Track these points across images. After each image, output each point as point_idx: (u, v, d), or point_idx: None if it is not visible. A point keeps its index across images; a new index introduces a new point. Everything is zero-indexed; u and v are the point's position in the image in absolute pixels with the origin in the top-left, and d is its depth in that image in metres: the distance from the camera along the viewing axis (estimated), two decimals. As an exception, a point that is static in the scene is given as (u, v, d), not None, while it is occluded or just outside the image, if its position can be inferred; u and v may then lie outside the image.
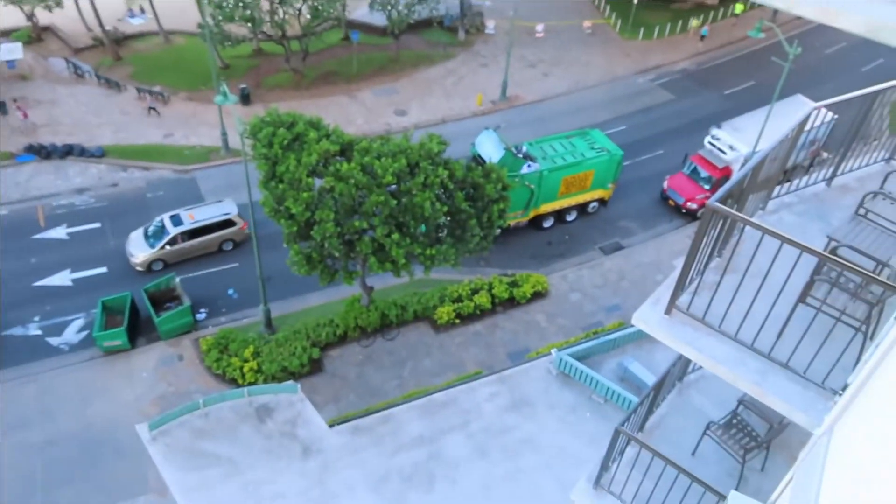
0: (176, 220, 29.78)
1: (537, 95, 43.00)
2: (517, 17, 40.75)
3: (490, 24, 49.60)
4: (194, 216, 29.89)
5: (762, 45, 46.26)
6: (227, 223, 30.23)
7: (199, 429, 19.20)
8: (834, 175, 8.06)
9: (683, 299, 6.33)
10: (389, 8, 42.35)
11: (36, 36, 45.15)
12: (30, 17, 43.96)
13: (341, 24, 47.05)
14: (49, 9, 42.35)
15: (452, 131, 34.71)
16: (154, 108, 38.97)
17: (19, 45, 41.32)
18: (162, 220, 29.95)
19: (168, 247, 29.33)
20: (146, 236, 29.81)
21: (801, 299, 6.13)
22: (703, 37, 49.10)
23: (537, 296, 29.43)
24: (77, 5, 44.47)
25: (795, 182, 7.99)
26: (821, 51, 46.30)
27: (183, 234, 29.47)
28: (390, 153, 22.29)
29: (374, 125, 39.09)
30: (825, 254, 5.48)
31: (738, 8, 51.49)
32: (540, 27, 48.75)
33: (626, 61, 47.13)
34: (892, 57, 41.31)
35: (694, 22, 50.14)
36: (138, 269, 29.26)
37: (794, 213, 7.70)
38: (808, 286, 6.10)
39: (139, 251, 29.37)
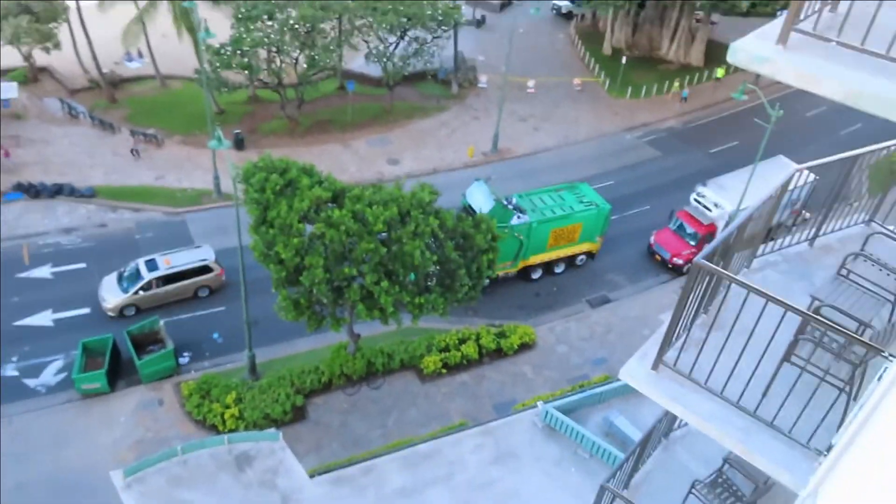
0: (151, 265, 29.23)
1: (528, 149, 43.74)
2: (509, 72, 41.76)
3: (483, 79, 50.74)
4: (170, 261, 29.38)
5: (745, 107, 47.51)
6: (204, 269, 29.77)
7: (176, 476, 18.77)
8: (816, 235, 8.24)
9: (670, 355, 6.39)
10: (385, 60, 43.27)
11: (32, 76, 45.61)
12: (27, 57, 44.47)
13: (337, 74, 47.95)
14: (47, 50, 42.84)
15: (444, 181, 35.06)
16: (136, 151, 39.04)
17: (15, 84, 41.71)
18: (137, 265, 29.37)
19: (142, 292, 28.73)
20: (120, 280, 29.26)
21: (786, 358, 6.20)
22: (683, 98, 50.41)
23: (524, 347, 29.35)
24: (75, 47, 45.08)
25: (779, 241, 8.16)
26: (802, 113, 47.60)
27: (158, 279, 28.93)
28: (382, 201, 22.49)
29: (367, 173, 39.48)
30: (809, 313, 5.58)
31: (720, 72, 53.05)
32: (531, 83, 49.90)
33: (615, 118, 48.19)
34: (870, 122, 42.39)
35: (675, 84, 51.56)
36: (109, 314, 28.61)
37: (778, 272, 7.84)
38: (793, 345, 6.18)
39: (111, 296, 28.76)
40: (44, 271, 30.95)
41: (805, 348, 6.22)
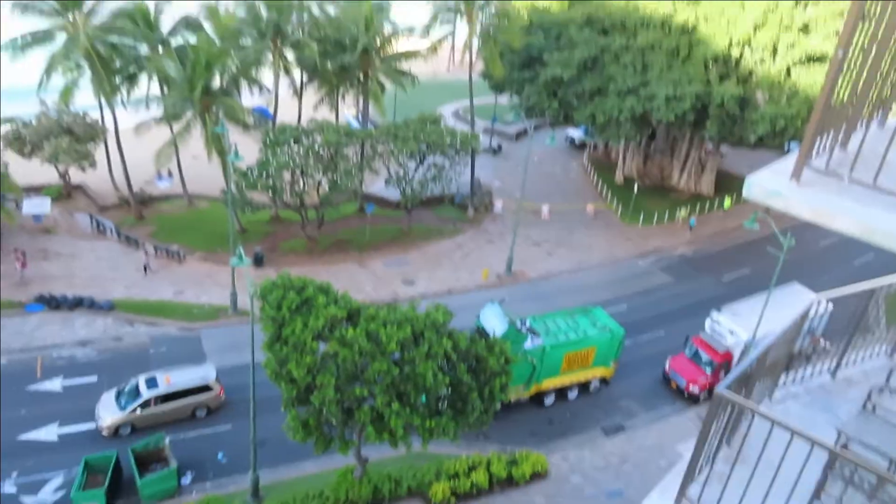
0: (151, 383, 28.86)
1: (541, 273, 44.18)
2: (524, 198, 42.99)
3: (498, 204, 52.17)
4: (171, 380, 29.01)
5: (757, 236, 48.08)
6: (204, 388, 29.40)
7: None
8: (837, 367, 8.13)
9: (693, 490, 6.15)
10: (404, 184, 44.84)
11: (66, 193, 47.59)
12: (63, 175, 46.61)
13: (357, 197, 49.56)
14: (83, 169, 44.95)
15: (458, 303, 35.23)
16: (148, 266, 39.78)
17: (48, 200, 43.45)
18: (137, 382, 29.01)
19: (139, 410, 28.16)
20: (118, 397, 28.78)
21: (816, 496, 5.96)
22: (691, 227, 51.18)
23: (537, 476, 28.17)
24: (109, 167, 47.28)
25: (800, 372, 8.04)
26: (814, 243, 48.07)
27: (157, 397, 28.48)
28: (396, 321, 22.52)
29: (382, 293, 39.82)
30: (837, 450, 5.42)
31: (727, 203, 54.16)
32: (545, 209, 51.19)
33: (627, 244, 48.91)
34: (883, 253, 42.62)
35: (682, 212, 52.57)
36: (104, 433, 27.88)
37: (801, 404, 7.67)
38: (822, 483, 5.95)
39: (108, 413, 28.13)
40: (55, 384, 30.77)
41: (836, 486, 5.98)
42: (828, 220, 4.66)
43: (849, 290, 7.40)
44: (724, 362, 32.91)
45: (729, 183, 56.16)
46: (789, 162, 4.89)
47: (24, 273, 37.42)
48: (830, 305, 7.91)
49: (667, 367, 34.62)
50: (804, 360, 8.40)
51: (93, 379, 31.29)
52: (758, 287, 36.13)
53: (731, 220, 52.45)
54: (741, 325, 33.35)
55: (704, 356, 33.57)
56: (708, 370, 33.18)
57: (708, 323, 34.79)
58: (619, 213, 53.24)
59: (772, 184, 4.80)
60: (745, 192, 4.91)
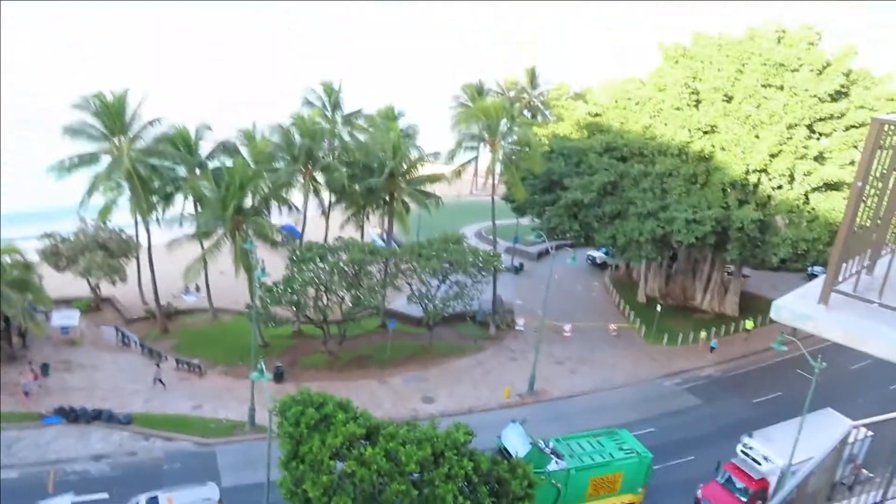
0: (153, 503, 28.04)
1: (564, 391, 43.30)
2: (546, 316, 42.93)
3: (520, 322, 52.06)
4: (173, 500, 28.12)
5: (785, 357, 47.09)
6: None
7: None
8: (884, 500, 7.80)
9: None
10: (427, 301, 45.17)
11: (95, 305, 48.52)
12: (94, 288, 47.75)
13: (380, 312, 49.83)
14: (113, 282, 46.08)
15: (479, 422, 34.34)
16: (160, 380, 39.67)
17: (77, 312, 44.34)
18: (138, 502, 28.19)
19: None
20: None
21: None
22: (712, 348, 50.19)
23: None
24: (139, 281, 48.44)
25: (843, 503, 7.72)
26: (845, 366, 46.80)
27: None
28: (416, 440, 22.06)
29: (402, 410, 39.13)
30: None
31: (748, 324, 53.38)
32: (567, 327, 50.92)
33: (652, 364, 48.06)
34: (920, 377, 41.50)
35: (703, 334, 51.62)
36: None
37: (847, 537, 7.31)
38: None
39: None
40: (65, 500, 29.85)
41: None
42: (860, 343, 4.71)
43: (889, 417, 7.24)
44: (760, 489, 31.31)
45: (753, 304, 55.74)
46: (816, 286, 5.00)
47: (32, 386, 37.18)
48: (870, 432, 7.70)
49: (699, 494, 32.96)
50: (847, 490, 8.07)
51: (104, 496, 30.48)
52: (789, 410, 35.00)
53: (757, 341, 51.56)
54: (775, 451, 32.00)
55: (739, 483, 32.00)
56: (743, 498, 31.52)
57: (739, 448, 33.43)
58: (643, 333, 52.71)
59: (800, 307, 4.90)
60: (773, 315, 5.00)
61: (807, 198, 45.05)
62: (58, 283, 46.37)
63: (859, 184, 4.63)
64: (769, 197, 46.38)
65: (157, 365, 41.03)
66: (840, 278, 4.92)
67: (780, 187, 45.89)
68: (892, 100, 46.65)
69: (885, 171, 4.75)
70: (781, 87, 46.65)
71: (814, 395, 30.04)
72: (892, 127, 4.65)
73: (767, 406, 42.14)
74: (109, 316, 48.53)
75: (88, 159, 43.31)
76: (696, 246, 49.76)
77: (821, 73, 46.57)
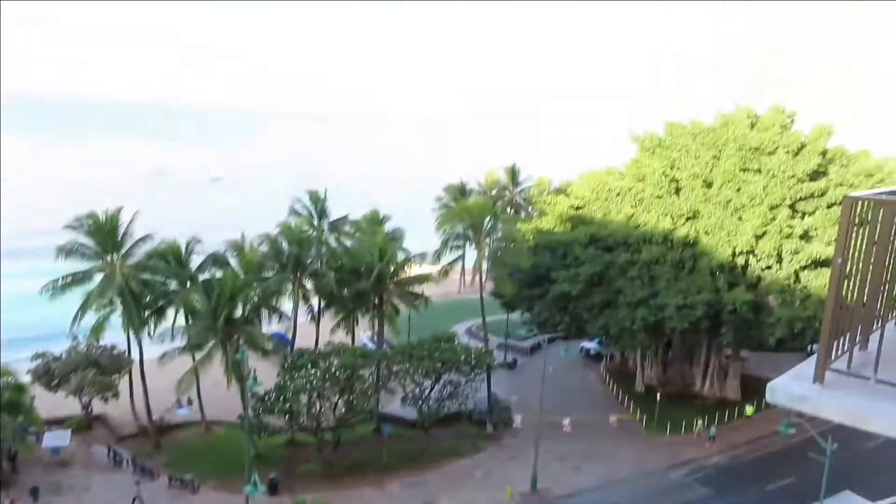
0: None
1: (569, 489, 41.78)
2: (544, 411, 42.05)
3: (518, 419, 50.89)
4: None
5: (794, 441, 45.95)
6: None
7: None
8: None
9: None
10: (420, 403, 44.30)
11: (86, 424, 47.21)
12: (85, 406, 46.67)
13: (374, 417, 48.65)
14: (105, 400, 45.10)
15: (483, 528, 33.02)
16: (139, 500, 37.72)
17: (68, 432, 43.15)
18: None
19: None
20: None
21: None
22: (711, 437, 48.62)
23: None
24: (131, 397, 47.39)
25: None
26: (859, 445, 45.56)
27: None
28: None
29: (402, 520, 37.51)
30: None
31: (749, 410, 52.30)
32: (567, 421, 49.76)
33: (657, 455, 46.73)
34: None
35: (699, 423, 50.26)
36: None
37: None
38: None
39: None
40: None
41: None
42: (861, 422, 4.65)
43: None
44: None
45: (756, 386, 54.81)
46: (809, 365, 4.98)
47: None
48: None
49: None
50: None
51: None
52: (806, 495, 33.79)
53: (764, 425, 50.38)
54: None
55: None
56: None
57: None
58: (644, 423, 51.54)
59: (795, 389, 4.86)
60: (768, 398, 4.95)
61: (797, 276, 45.42)
62: (49, 403, 45.31)
63: (839, 260, 4.74)
64: (759, 278, 46.75)
65: (137, 483, 39.35)
66: (833, 356, 4.92)
67: (769, 267, 46.35)
68: (871, 175, 47.97)
69: (866, 246, 4.85)
70: (759, 170, 48.03)
71: (830, 477, 29.14)
72: (865, 203, 4.80)
73: (783, 493, 40.74)
74: (100, 434, 47.05)
75: (82, 277, 43.41)
76: (690, 331, 49.57)
77: (797, 154, 48.07)
